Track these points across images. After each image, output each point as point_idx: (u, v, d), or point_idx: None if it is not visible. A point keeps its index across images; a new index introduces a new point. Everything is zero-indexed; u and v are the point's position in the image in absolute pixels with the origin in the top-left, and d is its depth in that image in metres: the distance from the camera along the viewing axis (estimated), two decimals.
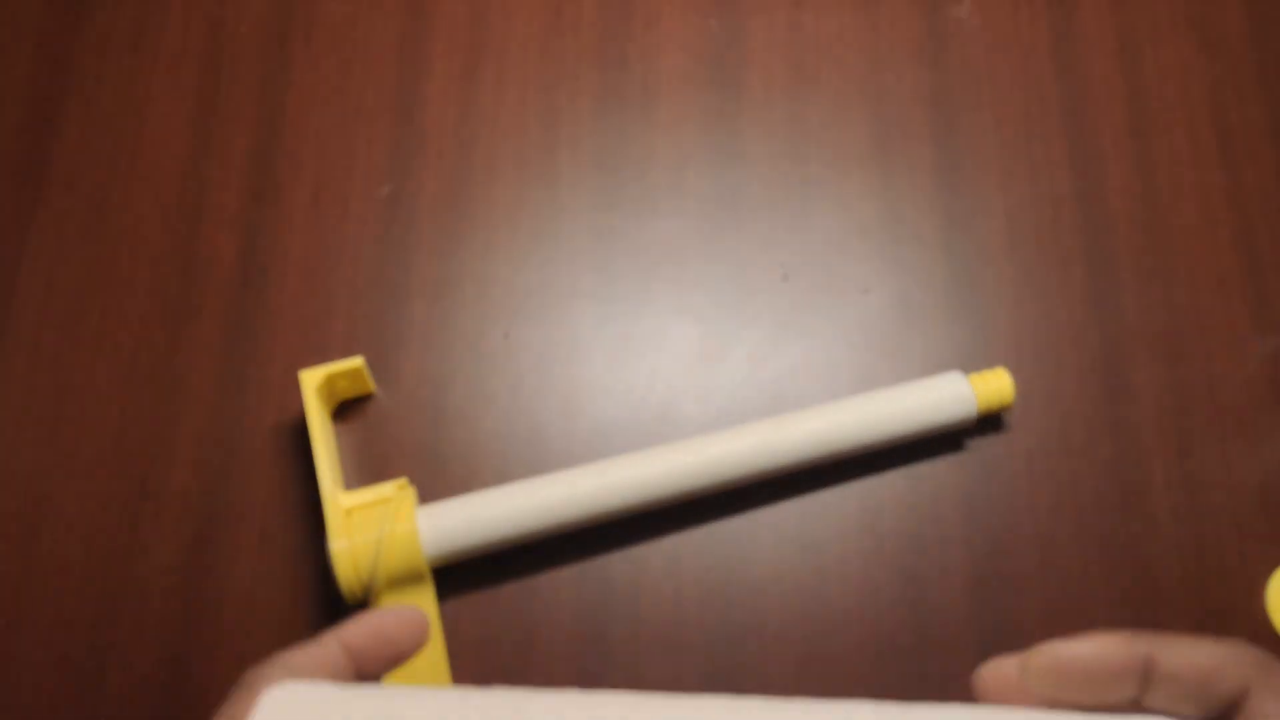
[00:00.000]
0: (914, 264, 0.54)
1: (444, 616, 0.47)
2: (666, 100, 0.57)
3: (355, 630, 0.31)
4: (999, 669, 0.26)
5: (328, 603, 0.48)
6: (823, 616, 0.47)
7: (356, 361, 0.49)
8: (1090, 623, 0.47)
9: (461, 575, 0.48)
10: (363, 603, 0.45)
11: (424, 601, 0.45)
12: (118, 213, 0.55)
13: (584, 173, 0.55)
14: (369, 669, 0.31)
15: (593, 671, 0.46)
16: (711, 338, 0.52)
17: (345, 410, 0.51)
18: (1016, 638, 0.47)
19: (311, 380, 0.48)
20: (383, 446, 0.50)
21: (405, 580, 0.44)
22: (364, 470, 0.50)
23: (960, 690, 0.46)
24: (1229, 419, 0.51)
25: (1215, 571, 0.48)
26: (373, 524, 0.44)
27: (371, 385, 0.50)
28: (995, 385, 0.49)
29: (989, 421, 0.51)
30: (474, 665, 0.47)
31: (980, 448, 0.50)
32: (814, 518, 0.49)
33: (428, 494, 0.49)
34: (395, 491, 0.46)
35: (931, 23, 0.58)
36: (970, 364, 0.52)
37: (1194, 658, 0.24)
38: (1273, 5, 0.59)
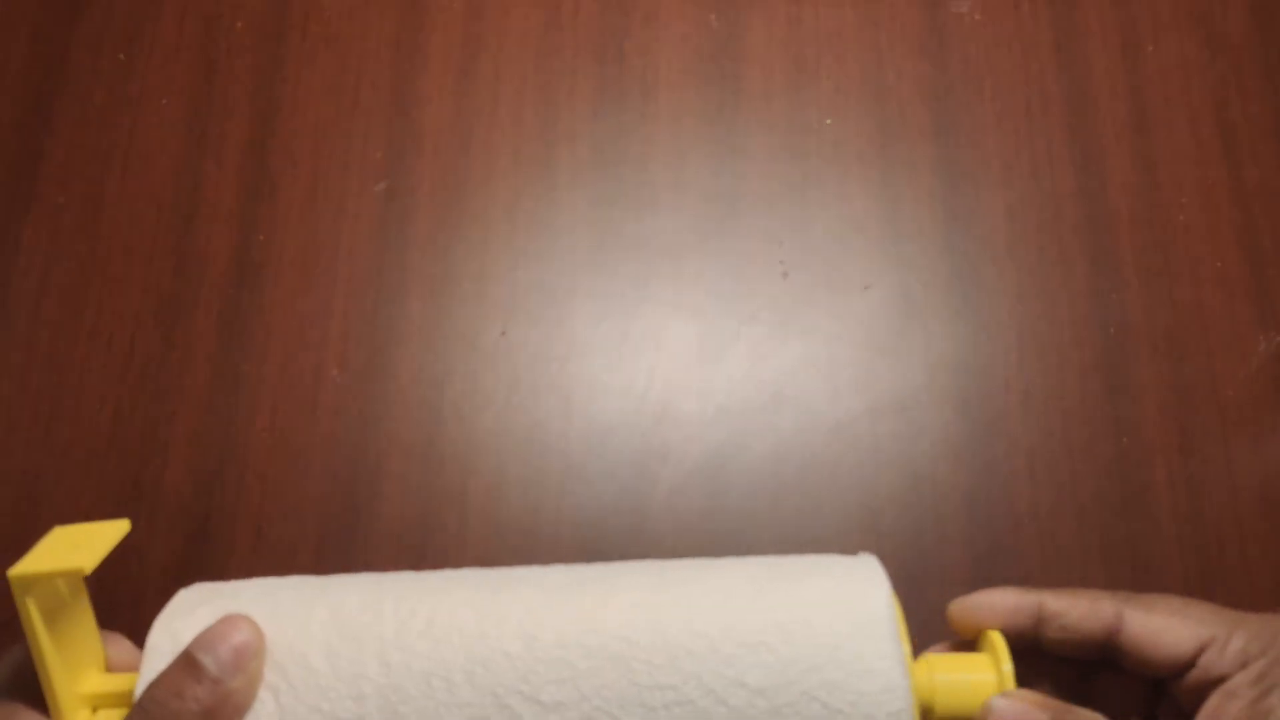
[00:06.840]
0: (915, 260, 0.53)
1: None
2: (665, 96, 0.56)
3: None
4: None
5: None
6: None
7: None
8: None
9: None
10: None
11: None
12: (112, 209, 0.54)
13: (582, 169, 0.55)
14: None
15: None
16: (711, 335, 0.52)
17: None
18: None
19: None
20: (375, 449, 0.50)
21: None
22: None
23: None
24: (1231, 417, 0.50)
25: (1217, 571, 0.48)
26: None
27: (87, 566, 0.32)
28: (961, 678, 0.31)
29: (989, 422, 0.50)
30: None
31: (981, 448, 0.50)
32: (814, 517, 0.49)
33: (424, 494, 0.49)
34: None
35: (933, 18, 0.58)
36: (971, 361, 0.51)
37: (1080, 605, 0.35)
38: (1277, 1, 0.58)
